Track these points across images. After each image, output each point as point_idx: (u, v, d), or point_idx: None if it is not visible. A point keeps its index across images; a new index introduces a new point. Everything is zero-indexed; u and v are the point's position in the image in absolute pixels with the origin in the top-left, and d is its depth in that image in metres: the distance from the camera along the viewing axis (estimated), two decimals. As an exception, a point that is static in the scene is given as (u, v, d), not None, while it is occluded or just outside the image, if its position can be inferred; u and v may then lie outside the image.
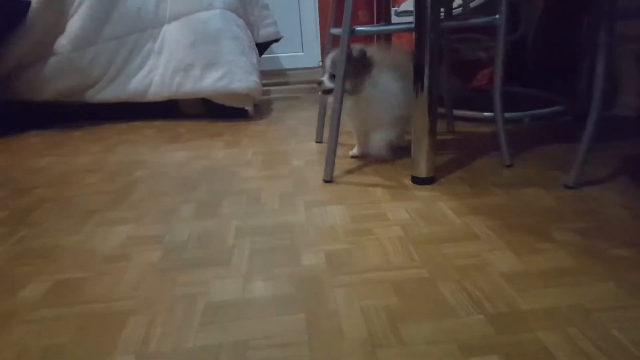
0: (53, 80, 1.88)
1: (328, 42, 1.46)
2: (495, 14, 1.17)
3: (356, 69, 1.17)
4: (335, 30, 1.29)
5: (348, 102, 1.20)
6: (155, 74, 1.94)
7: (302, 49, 2.74)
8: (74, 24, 1.86)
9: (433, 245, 0.82)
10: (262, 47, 2.23)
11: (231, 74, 1.87)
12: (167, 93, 1.94)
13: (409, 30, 1.12)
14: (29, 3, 1.82)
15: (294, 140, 1.61)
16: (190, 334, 0.61)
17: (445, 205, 0.99)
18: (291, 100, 2.45)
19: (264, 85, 2.01)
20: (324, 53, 2.29)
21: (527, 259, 0.75)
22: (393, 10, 1.80)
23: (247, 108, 1.97)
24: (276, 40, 2.28)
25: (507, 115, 1.24)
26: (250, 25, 2.08)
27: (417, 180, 1.12)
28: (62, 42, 1.86)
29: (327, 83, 1.21)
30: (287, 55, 2.73)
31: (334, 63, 1.19)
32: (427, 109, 1.06)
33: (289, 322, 0.63)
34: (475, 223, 0.90)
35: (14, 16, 1.82)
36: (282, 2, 2.61)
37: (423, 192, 1.07)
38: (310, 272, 0.75)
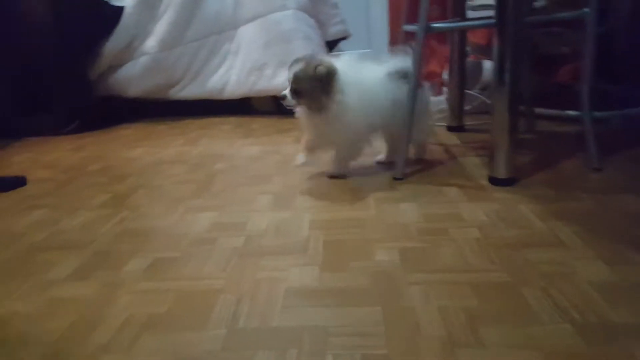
0: (142, 79, 2.05)
1: (401, 39, 1.47)
2: (580, 6, 1.11)
3: (319, 87, 1.07)
4: (410, 27, 1.29)
5: (307, 119, 1.13)
6: (232, 73, 2.05)
7: (370, 45, 2.75)
8: (161, 27, 2.02)
9: (514, 249, 0.80)
10: (331, 45, 2.28)
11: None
12: (243, 91, 2.04)
13: (489, 25, 1.10)
14: (122, 8, 2.00)
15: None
16: (274, 315, 0.67)
17: (526, 209, 0.96)
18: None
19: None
20: (393, 49, 2.30)
21: (619, 269, 0.72)
22: (468, 3, 1.77)
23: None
24: (344, 38, 2.31)
25: (596, 114, 1.17)
26: (320, 24, 2.13)
27: (495, 181, 1.10)
28: (151, 44, 2.02)
29: (289, 100, 1.10)
30: (355, 53, 2.76)
31: (296, 78, 1.08)
32: (507, 106, 1.03)
33: (366, 314, 0.66)
34: (560, 228, 0.87)
35: (110, 20, 2.00)
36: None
37: (502, 193, 1.05)
38: (384, 267, 0.78)
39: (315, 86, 1.07)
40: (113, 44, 2.01)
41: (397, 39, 2.14)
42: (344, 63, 1.12)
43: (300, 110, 1.16)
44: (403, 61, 1.19)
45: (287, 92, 1.10)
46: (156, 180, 1.32)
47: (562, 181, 1.09)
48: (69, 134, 1.98)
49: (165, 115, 2.23)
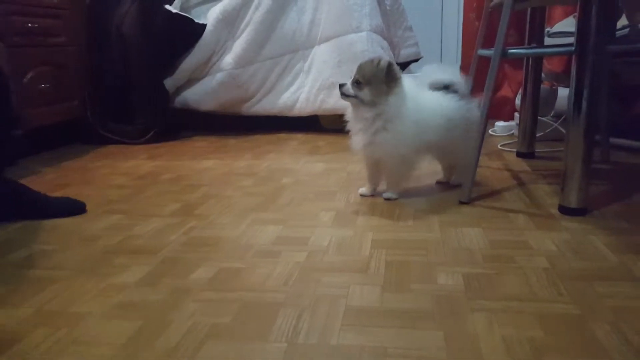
0: (217, 94, 2.16)
1: (474, 64, 1.44)
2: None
3: (381, 77, 1.10)
4: (485, 52, 1.27)
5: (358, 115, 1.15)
6: (303, 91, 2.10)
7: (442, 67, 2.72)
8: (239, 44, 2.12)
9: (584, 281, 0.76)
10: (402, 67, 2.28)
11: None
12: (311, 109, 2.09)
13: (568, 53, 1.05)
14: (205, 26, 2.13)
15: (428, 159, 1.60)
16: (334, 332, 0.66)
17: (598, 240, 0.91)
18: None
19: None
20: (464, 72, 2.25)
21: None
22: (546, 30, 1.70)
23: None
24: (416, 60, 2.30)
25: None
26: (393, 46, 2.14)
27: (565, 211, 1.04)
28: (228, 60, 2.13)
29: (349, 89, 1.14)
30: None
31: (360, 68, 1.14)
32: (583, 134, 0.99)
33: (427, 337, 0.64)
34: (633, 262, 0.81)
35: (192, 37, 2.13)
36: (425, 22, 2.63)
37: (573, 223, 1.00)
38: (447, 291, 0.75)
39: (377, 76, 1.11)
40: (193, 60, 2.14)
41: (469, 62, 2.11)
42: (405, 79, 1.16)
43: (351, 109, 1.18)
44: (444, 73, 1.21)
45: (348, 82, 1.14)
46: (225, 191, 1.37)
47: (637, 214, 1.03)
48: (145, 144, 2.11)
49: (236, 130, 2.33)
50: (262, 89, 2.16)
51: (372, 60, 1.15)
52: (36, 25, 1.85)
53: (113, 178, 1.57)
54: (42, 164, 1.82)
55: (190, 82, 2.21)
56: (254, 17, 2.09)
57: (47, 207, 1.21)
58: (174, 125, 2.30)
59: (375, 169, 1.23)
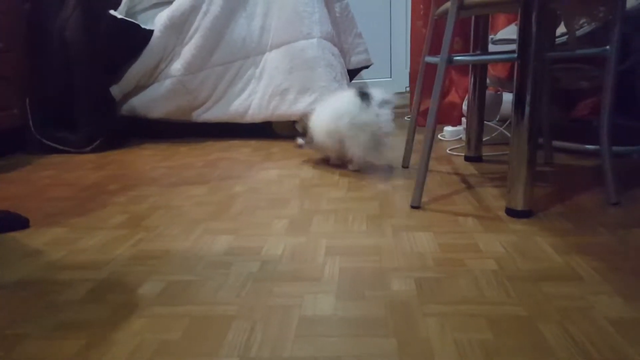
0: (166, 100, 2.10)
1: (421, 71, 1.48)
2: (602, 44, 1.12)
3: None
4: (431, 59, 1.31)
5: None
6: (255, 98, 2.08)
7: (391, 74, 2.78)
8: (188, 50, 2.07)
9: (531, 282, 0.79)
10: (353, 73, 2.31)
11: (323, 98, 1.95)
12: (264, 115, 2.07)
13: (510, 59, 1.11)
14: (152, 31, 2.07)
15: (380, 164, 1.63)
16: (287, 344, 0.65)
17: (544, 242, 0.95)
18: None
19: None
20: (413, 79, 2.32)
21: (637, 305, 0.70)
22: (490, 37, 1.78)
23: (336, 131, 2.05)
24: (367, 67, 2.34)
25: (614, 149, 1.16)
26: (343, 52, 2.16)
27: (512, 213, 1.09)
28: (177, 67, 2.08)
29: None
30: (375, 81, 2.79)
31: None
32: (526, 138, 1.03)
33: (381, 345, 0.65)
34: (578, 263, 0.85)
35: (138, 43, 2.07)
36: (374, 29, 2.69)
37: (519, 225, 1.04)
38: (400, 297, 0.77)
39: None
40: (140, 66, 2.07)
41: (417, 68, 2.16)
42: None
43: None
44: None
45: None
46: (175, 201, 1.33)
47: (581, 215, 1.08)
48: (91, 153, 2.02)
49: (186, 137, 2.27)
50: (212, 96, 2.13)
51: None
52: (-34, 28, 1.74)
53: (57, 189, 1.49)
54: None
55: (137, 88, 2.14)
56: (203, 23, 2.05)
57: None
58: (121, 133, 2.21)
59: None
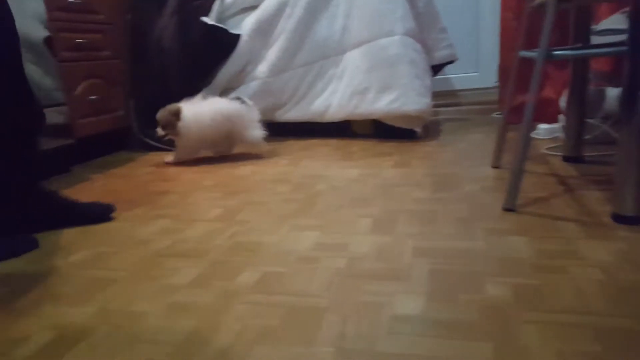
0: (252, 102, 2.20)
1: (515, 66, 1.42)
2: None
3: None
4: (527, 54, 1.25)
5: None
6: (335, 97, 2.13)
7: (478, 69, 2.68)
8: (272, 53, 2.16)
9: (643, 294, 0.73)
10: (436, 69, 2.27)
11: (404, 97, 1.95)
12: (344, 114, 2.11)
13: (619, 53, 1.02)
14: (239, 36, 2.18)
15: (466, 164, 1.60)
16: (380, 340, 0.67)
17: (657, 250, 0.87)
18: (461, 121, 2.43)
19: (433, 106, 2.04)
20: (502, 74, 2.22)
21: None
22: (591, 28, 1.66)
23: (416, 129, 2.02)
24: (451, 62, 2.29)
25: None
26: (427, 48, 2.13)
27: (620, 219, 1.01)
28: (262, 69, 2.18)
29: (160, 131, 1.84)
30: (460, 76, 2.71)
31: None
32: (636, 136, 0.95)
33: (476, 349, 0.64)
34: None
35: (228, 47, 2.19)
36: (459, 23, 2.61)
37: (628, 232, 0.96)
38: (496, 302, 0.75)
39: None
40: (229, 69, 2.20)
41: (508, 63, 2.07)
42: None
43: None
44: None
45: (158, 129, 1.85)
46: (263, 198, 1.40)
47: None
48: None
49: (269, 136, 2.36)
50: (294, 96, 2.20)
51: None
52: (84, 40, 1.95)
53: (158, 184, 1.64)
54: (91, 171, 1.92)
55: (226, 91, 2.27)
56: (287, 25, 2.13)
57: (78, 214, 1.26)
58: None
59: None
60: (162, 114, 1.84)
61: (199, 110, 1.85)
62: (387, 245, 1.00)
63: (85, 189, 1.64)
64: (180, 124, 1.81)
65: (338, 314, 0.75)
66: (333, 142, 2.18)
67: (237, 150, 2.03)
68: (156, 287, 0.88)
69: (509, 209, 1.13)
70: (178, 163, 1.93)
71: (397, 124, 2.04)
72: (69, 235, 1.19)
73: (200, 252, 1.03)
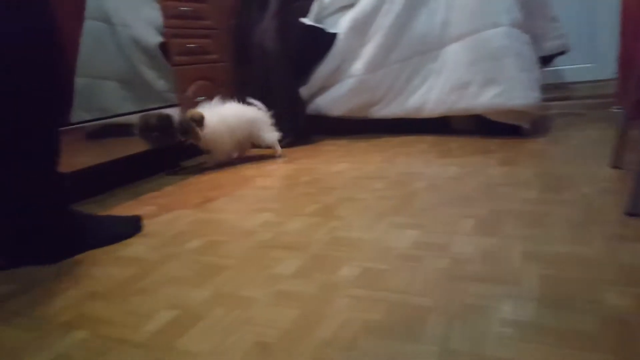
0: (348, 99, 2.23)
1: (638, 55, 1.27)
2: None
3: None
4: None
5: None
6: (432, 93, 2.07)
7: (593, 59, 2.44)
8: (369, 50, 2.16)
9: None
10: (546, 60, 2.10)
11: (510, 91, 1.84)
12: (442, 110, 2.04)
13: None
14: (336, 35, 2.21)
15: (581, 163, 1.46)
16: (487, 344, 0.65)
17: None
18: (574, 116, 2.23)
19: (542, 100, 1.89)
20: (623, 65, 1.99)
21: None
22: None
23: (523, 125, 1.90)
24: (562, 53, 2.11)
25: None
26: (535, 39, 1.98)
27: None
28: (358, 67, 2.19)
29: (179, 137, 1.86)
30: (573, 67, 2.49)
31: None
32: None
33: (596, 360, 0.59)
34: None
35: (325, 46, 2.24)
36: (573, 10, 2.40)
37: None
38: (619, 313, 0.68)
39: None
40: (325, 68, 2.24)
41: (631, 54, 1.85)
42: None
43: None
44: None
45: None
46: (359, 194, 1.41)
47: None
48: (283, 148, 2.27)
49: (363, 133, 2.38)
50: (390, 92, 2.18)
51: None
52: (194, 45, 2.12)
53: (260, 180, 1.73)
54: (199, 166, 2.08)
55: (322, 89, 2.32)
56: (384, 22, 2.12)
57: (107, 233, 1.20)
58: (305, 130, 2.43)
59: None
60: (181, 120, 1.84)
61: (223, 114, 1.92)
62: (492, 248, 0.95)
63: (193, 183, 1.79)
64: (204, 129, 1.85)
65: (443, 314, 0.73)
66: (430, 138, 2.13)
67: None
68: (263, 276, 0.93)
69: (632, 213, 1.02)
70: (216, 166, 2.03)
71: (502, 119, 1.93)
72: (184, 224, 1.30)
73: (301, 245, 1.07)
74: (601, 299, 0.72)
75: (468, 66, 1.93)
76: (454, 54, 2.00)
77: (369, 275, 0.89)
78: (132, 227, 1.25)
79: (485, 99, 1.88)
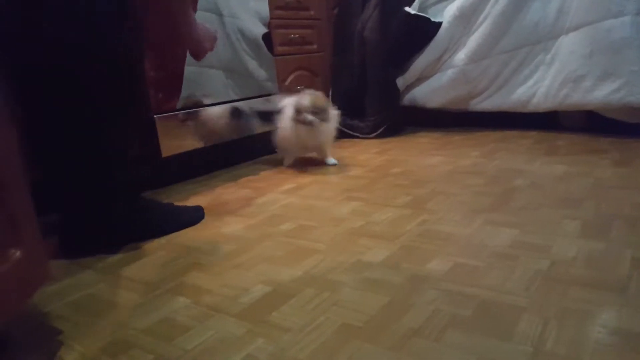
0: (446, 90, 2.17)
1: None
2: None
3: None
4: None
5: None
6: (541, 86, 1.93)
7: None
8: (474, 39, 2.07)
9: None
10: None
11: (631, 86, 1.66)
12: (550, 104, 1.90)
13: None
14: (440, 24, 2.15)
15: None
16: (586, 349, 0.62)
17: None
18: None
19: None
20: None
21: None
22: None
23: (645, 124, 1.70)
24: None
25: None
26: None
27: None
28: (461, 57, 2.11)
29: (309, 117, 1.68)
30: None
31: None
32: None
33: None
34: None
35: (427, 35, 2.19)
36: None
37: None
38: None
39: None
40: (425, 58, 2.19)
41: None
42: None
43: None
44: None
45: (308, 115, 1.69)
46: (453, 189, 1.38)
47: None
48: (375, 138, 2.28)
49: (459, 126, 2.30)
50: (493, 85, 2.08)
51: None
52: (296, 35, 2.20)
53: (350, 169, 1.76)
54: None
55: (419, 79, 2.27)
56: (493, 10, 2.01)
57: (176, 220, 1.27)
58: (400, 121, 2.41)
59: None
60: (317, 99, 1.73)
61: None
62: (599, 252, 0.89)
63: (283, 172, 1.86)
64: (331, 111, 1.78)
65: (538, 315, 0.70)
66: (534, 134, 2.00)
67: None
68: (351, 262, 0.96)
69: None
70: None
71: (619, 116, 1.75)
72: (275, 208, 1.38)
73: (390, 235, 1.07)
74: None
75: (584, 58, 1.77)
76: (568, 45, 1.85)
77: (460, 270, 0.87)
78: (196, 215, 1.32)
79: (601, 93, 1.72)
